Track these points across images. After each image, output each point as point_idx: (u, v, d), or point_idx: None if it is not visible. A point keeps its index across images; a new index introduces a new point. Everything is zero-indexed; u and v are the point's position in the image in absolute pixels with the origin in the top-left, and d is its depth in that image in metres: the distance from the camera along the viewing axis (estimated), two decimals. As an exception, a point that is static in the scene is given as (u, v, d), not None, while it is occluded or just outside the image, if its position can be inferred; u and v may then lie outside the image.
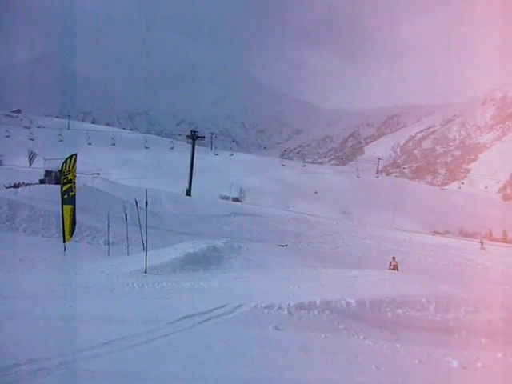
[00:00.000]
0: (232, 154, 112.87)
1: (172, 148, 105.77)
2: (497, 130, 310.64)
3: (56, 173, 43.87)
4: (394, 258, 25.13)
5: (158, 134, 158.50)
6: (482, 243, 43.08)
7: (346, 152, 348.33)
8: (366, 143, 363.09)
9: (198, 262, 16.47)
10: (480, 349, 9.96)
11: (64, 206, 18.11)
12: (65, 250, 17.66)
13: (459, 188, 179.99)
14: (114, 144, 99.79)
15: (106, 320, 9.31)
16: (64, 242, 18.10)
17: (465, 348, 9.85)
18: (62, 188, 18.25)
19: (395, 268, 23.85)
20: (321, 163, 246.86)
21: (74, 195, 18.43)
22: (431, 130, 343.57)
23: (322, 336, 9.41)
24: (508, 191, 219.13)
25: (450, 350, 9.50)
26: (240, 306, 10.46)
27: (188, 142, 70.53)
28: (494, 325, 10.90)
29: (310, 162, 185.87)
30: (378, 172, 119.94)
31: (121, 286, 12.93)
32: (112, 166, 77.93)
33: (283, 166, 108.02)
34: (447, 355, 9.15)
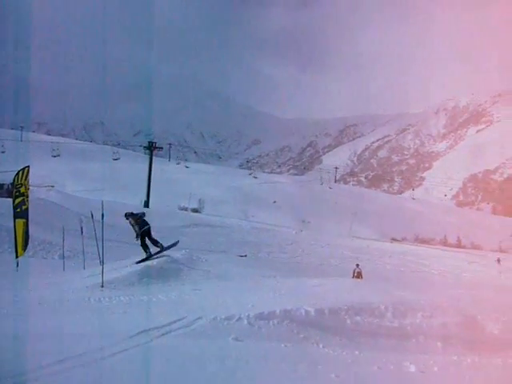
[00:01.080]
0: (178, 163, 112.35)
1: (117, 159, 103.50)
2: (449, 139, 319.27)
3: (8, 186, 42.76)
4: (357, 265, 25.30)
5: (114, 145, 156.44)
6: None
7: (304, 161, 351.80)
8: (324, 153, 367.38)
9: (156, 274, 16.22)
10: (436, 353, 10.14)
11: (16, 220, 17.58)
12: (17, 265, 17.13)
13: (400, 194, 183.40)
14: (58, 155, 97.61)
15: (61, 337, 9.07)
16: (16, 257, 17.56)
17: (422, 352, 10.01)
18: (13, 201, 17.74)
19: (359, 275, 24.05)
20: (279, 173, 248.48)
21: (27, 208, 17.93)
22: (386, 139, 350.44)
23: (282, 346, 9.41)
24: (461, 198, 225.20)
25: (408, 355, 9.64)
26: (199, 318, 10.37)
27: (145, 153, 69.87)
28: (450, 328, 11.12)
29: (268, 172, 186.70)
30: (335, 181, 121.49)
31: (76, 301, 12.64)
32: (67, 178, 76.54)
33: (255, 177, 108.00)
34: (405, 360, 9.27)
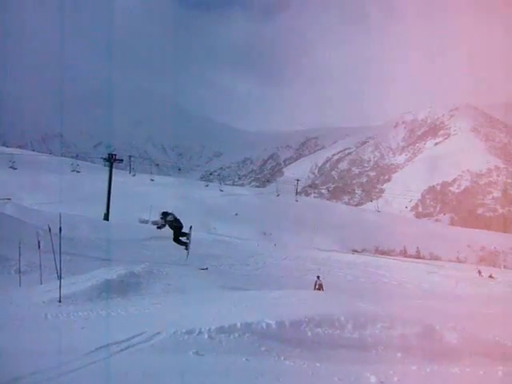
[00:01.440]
0: (134, 175, 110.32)
1: (73, 171, 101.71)
2: (408, 152, 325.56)
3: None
4: (318, 277, 25.36)
5: (73, 157, 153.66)
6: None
7: (265, 174, 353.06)
8: (285, 165, 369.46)
9: (116, 288, 15.97)
10: (396, 363, 10.26)
11: (-29, 234, 17.13)
12: (-28, 280, 16.64)
13: (361, 206, 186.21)
14: (15, 167, 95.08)
15: (16, 354, 8.82)
16: (-29, 272, 17.08)
17: (382, 363, 10.11)
18: (-32, 215, 17.27)
19: (320, 287, 24.16)
20: (241, 185, 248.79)
21: (-18, 222, 17.49)
22: (347, 151, 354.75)
23: (243, 359, 9.37)
24: (420, 209, 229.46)
25: (368, 366, 9.72)
26: (159, 332, 10.24)
27: (105, 165, 68.85)
28: (409, 339, 11.27)
29: (230, 184, 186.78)
30: (297, 193, 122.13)
31: (32, 317, 12.31)
32: (24, 191, 74.73)
33: (221, 190, 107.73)
34: (365, 371, 9.36)
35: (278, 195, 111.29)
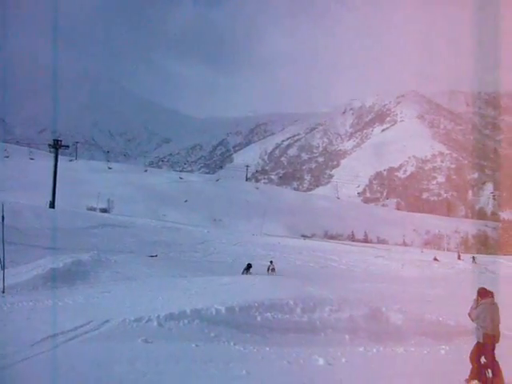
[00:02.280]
0: (71, 160, 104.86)
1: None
2: (356, 138, 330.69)
3: None
4: (271, 262, 25.87)
5: (16, 143, 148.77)
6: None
7: (215, 160, 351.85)
8: (235, 151, 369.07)
9: (62, 277, 15.63)
10: (344, 345, 10.48)
11: None
12: None
13: (310, 191, 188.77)
14: None
15: (-43, 347, 8.52)
16: None
17: (330, 345, 10.31)
18: None
19: (273, 272, 24.57)
20: (191, 171, 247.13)
21: None
22: (296, 137, 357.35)
23: (193, 345, 9.38)
24: (368, 194, 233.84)
25: (317, 349, 9.90)
26: (107, 321, 10.10)
27: (50, 152, 67.01)
28: (356, 321, 11.52)
29: (179, 171, 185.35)
30: (247, 179, 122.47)
31: (-26, 309, 11.91)
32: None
33: (181, 178, 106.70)
34: (314, 354, 9.53)
35: (217, 180, 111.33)
